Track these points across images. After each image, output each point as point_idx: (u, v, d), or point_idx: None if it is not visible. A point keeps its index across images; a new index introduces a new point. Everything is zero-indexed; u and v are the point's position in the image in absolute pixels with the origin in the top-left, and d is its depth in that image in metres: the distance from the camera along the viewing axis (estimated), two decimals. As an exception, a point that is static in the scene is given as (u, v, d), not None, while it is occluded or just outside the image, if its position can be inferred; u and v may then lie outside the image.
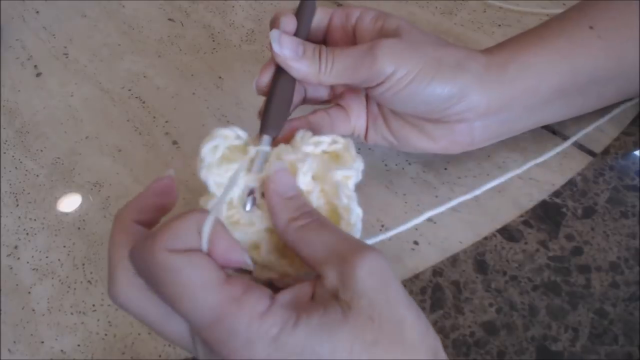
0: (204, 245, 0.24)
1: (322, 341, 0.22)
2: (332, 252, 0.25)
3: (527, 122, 0.38)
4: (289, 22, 0.33)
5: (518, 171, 0.40)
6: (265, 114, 0.32)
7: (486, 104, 0.34)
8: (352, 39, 0.36)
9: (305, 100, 0.37)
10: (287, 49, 0.32)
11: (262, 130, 0.32)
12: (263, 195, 0.30)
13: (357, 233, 0.30)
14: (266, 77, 0.33)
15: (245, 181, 0.30)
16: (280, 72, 0.33)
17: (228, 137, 0.31)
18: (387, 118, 0.37)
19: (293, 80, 0.33)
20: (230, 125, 0.31)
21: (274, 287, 0.27)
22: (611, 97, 0.39)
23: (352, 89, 0.38)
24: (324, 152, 0.32)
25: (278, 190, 0.29)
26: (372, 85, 0.33)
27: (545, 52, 0.35)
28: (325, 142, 0.31)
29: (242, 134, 0.32)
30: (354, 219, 0.30)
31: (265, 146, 0.31)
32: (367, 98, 0.38)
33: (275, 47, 0.32)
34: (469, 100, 0.34)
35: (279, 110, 0.33)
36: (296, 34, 0.34)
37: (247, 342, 0.22)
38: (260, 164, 0.30)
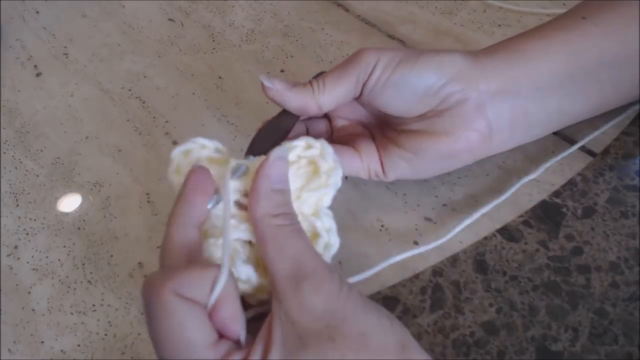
0: (210, 304, 0.25)
1: None
2: (295, 270, 0.25)
3: (544, 109, 0.35)
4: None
5: (532, 176, 0.39)
6: (253, 139, 0.33)
7: (483, 80, 0.33)
8: None
9: (307, 133, 0.38)
10: (279, 84, 0.33)
11: (249, 151, 0.33)
12: (240, 206, 0.29)
13: (334, 248, 0.30)
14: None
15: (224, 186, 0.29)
16: (279, 115, 0.34)
17: (206, 147, 0.32)
18: (396, 139, 0.36)
19: (290, 121, 0.34)
20: (211, 138, 0.32)
21: (243, 301, 0.27)
22: (629, 84, 0.37)
23: (359, 133, 0.38)
24: (299, 157, 0.30)
25: (270, 176, 0.28)
26: (362, 83, 0.33)
27: (537, 39, 0.35)
28: (299, 146, 0.30)
29: (222, 147, 0.32)
30: (334, 239, 0.29)
31: (246, 161, 0.31)
32: (373, 137, 0.38)
33: (267, 83, 0.33)
34: (460, 78, 0.33)
35: (268, 139, 0.33)
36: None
37: None
38: (239, 175, 0.30)
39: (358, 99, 0.34)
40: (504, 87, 0.34)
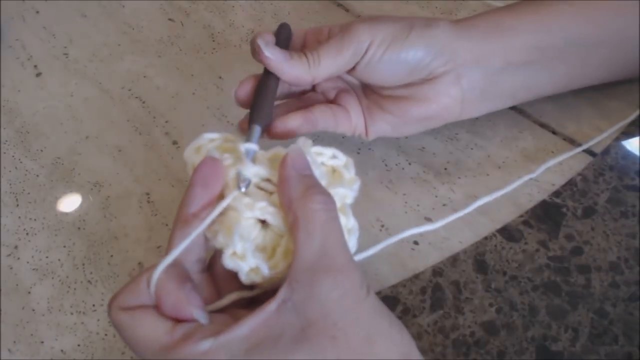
0: (152, 300, 0.26)
1: None
2: (319, 259, 0.25)
3: (512, 82, 0.38)
4: (269, 38, 0.35)
5: (532, 175, 0.39)
6: (253, 107, 0.34)
7: (462, 53, 0.36)
8: None
9: (289, 95, 0.39)
10: (278, 53, 0.34)
11: (251, 121, 0.33)
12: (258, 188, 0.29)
13: (352, 251, 0.29)
14: (246, 87, 0.35)
15: (238, 169, 0.29)
16: (264, 77, 0.35)
17: (214, 139, 0.32)
18: (381, 102, 0.38)
19: (276, 82, 0.35)
20: (220, 131, 0.33)
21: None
22: (596, 68, 0.40)
23: (344, 90, 0.39)
24: (323, 164, 0.31)
25: (295, 165, 0.28)
26: (357, 60, 0.34)
27: (514, 16, 0.37)
28: (325, 154, 0.31)
29: (231, 136, 0.32)
30: (353, 242, 0.29)
31: (254, 140, 0.31)
32: (358, 96, 0.39)
33: (267, 52, 0.33)
34: (444, 52, 0.35)
35: (265, 104, 0.34)
36: None
37: None
38: (251, 157, 0.30)
39: (348, 71, 0.36)
40: (479, 59, 0.36)
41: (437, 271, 0.35)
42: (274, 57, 0.34)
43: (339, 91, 0.39)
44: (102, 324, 0.35)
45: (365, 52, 0.34)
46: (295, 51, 0.35)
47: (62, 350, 0.34)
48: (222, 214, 0.28)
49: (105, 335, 0.35)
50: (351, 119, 0.38)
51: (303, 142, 0.30)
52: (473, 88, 0.37)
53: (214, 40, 0.53)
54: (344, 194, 0.29)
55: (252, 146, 0.30)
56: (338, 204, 0.28)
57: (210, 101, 0.48)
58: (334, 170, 0.31)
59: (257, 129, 0.33)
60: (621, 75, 0.41)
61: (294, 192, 0.27)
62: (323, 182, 0.29)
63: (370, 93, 0.39)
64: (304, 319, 0.24)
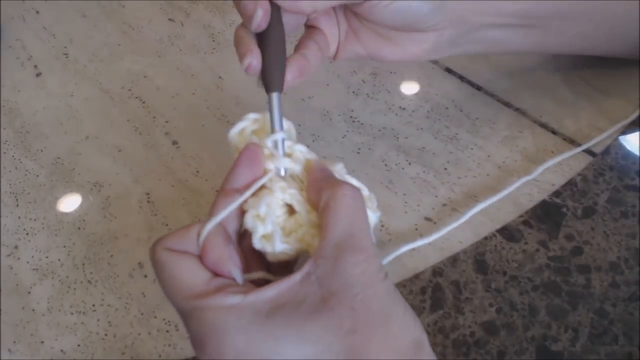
0: (197, 250, 0.27)
1: (294, 330, 0.24)
2: (345, 238, 0.26)
3: (485, 36, 0.38)
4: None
5: (532, 176, 0.39)
6: (265, 74, 0.32)
7: (454, 9, 0.36)
8: None
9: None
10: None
11: (269, 89, 0.32)
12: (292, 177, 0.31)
13: None
14: (256, 55, 0.32)
15: (275, 164, 0.30)
16: (266, 31, 0.32)
17: (257, 120, 0.33)
18: (359, 33, 0.37)
19: (281, 34, 0.33)
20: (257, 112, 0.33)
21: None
22: (571, 39, 0.40)
23: (324, 13, 0.38)
24: None
25: (322, 166, 0.31)
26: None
27: None
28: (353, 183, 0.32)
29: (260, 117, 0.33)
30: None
31: (276, 111, 0.31)
32: (337, 18, 0.38)
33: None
34: (447, 9, 0.35)
35: (277, 66, 0.32)
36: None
37: (217, 332, 0.24)
38: (282, 146, 0.31)
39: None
40: (464, 16, 0.36)
41: (437, 271, 0.35)
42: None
43: (320, 14, 0.37)
44: (102, 324, 0.35)
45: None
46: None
47: (62, 350, 0.34)
48: (257, 195, 0.30)
49: (105, 335, 0.35)
50: (329, 44, 0.37)
51: (340, 169, 0.32)
52: (446, 40, 0.37)
53: (214, 40, 0.53)
54: (369, 215, 0.31)
55: (279, 135, 0.31)
56: None
57: (210, 101, 0.48)
58: None
59: (276, 97, 0.31)
60: (598, 52, 0.42)
61: (325, 182, 0.29)
62: None
63: (352, 20, 0.38)
64: (326, 290, 0.25)
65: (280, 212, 0.30)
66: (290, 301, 0.25)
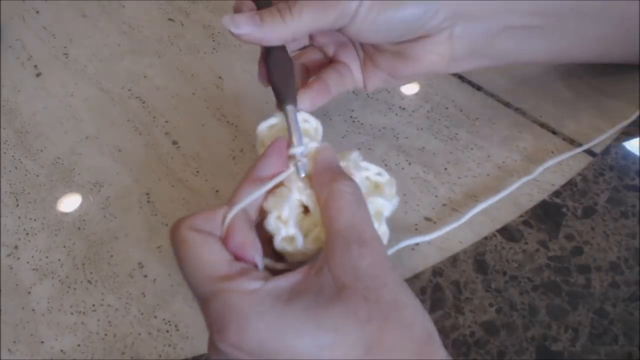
0: (221, 233, 0.28)
1: (312, 317, 0.24)
2: (349, 232, 0.27)
3: (505, 43, 0.37)
4: (245, 3, 0.34)
5: (530, 177, 0.39)
6: (277, 87, 0.33)
7: (462, 9, 0.34)
8: None
9: (308, 71, 0.38)
10: (245, 26, 0.31)
11: (284, 102, 0.32)
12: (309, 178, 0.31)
13: None
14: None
15: (296, 160, 0.31)
16: (267, 50, 0.33)
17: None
18: (374, 58, 0.37)
19: (282, 49, 0.33)
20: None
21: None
22: (591, 42, 0.39)
23: (343, 44, 0.38)
24: (367, 178, 0.33)
25: (326, 157, 0.31)
26: (345, 23, 0.32)
27: None
28: (372, 170, 0.33)
29: (302, 114, 0.33)
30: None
31: (294, 120, 0.32)
32: (357, 49, 0.39)
33: (234, 30, 0.31)
34: (444, 9, 0.33)
35: (287, 79, 0.33)
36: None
37: (238, 316, 0.24)
38: (299, 134, 0.31)
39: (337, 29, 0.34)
40: (479, 16, 0.35)
41: (437, 271, 0.35)
42: (243, 30, 0.31)
43: (337, 46, 0.38)
44: (102, 324, 0.35)
45: (356, 14, 0.31)
46: (266, 8, 0.32)
47: (62, 350, 0.34)
48: (276, 193, 0.30)
49: (105, 335, 0.35)
50: (353, 74, 0.38)
51: (356, 157, 0.32)
52: (464, 46, 0.36)
53: (214, 40, 0.53)
54: (382, 204, 0.31)
55: (299, 150, 0.31)
56: (372, 211, 0.30)
57: (210, 101, 0.48)
58: (376, 186, 0.33)
59: (292, 109, 0.32)
60: (614, 57, 0.41)
61: (325, 177, 0.29)
62: (363, 191, 0.31)
63: (366, 47, 0.38)
64: (339, 282, 0.25)
65: (298, 211, 0.30)
66: (307, 290, 0.25)
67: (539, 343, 0.32)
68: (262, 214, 0.30)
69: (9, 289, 0.37)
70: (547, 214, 0.38)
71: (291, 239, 0.29)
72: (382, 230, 0.31)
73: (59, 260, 0.38)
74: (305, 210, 0.30)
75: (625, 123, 0.42)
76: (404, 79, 0.39)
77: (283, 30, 0.31)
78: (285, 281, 0.26)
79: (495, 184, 0.40)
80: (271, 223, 0.29)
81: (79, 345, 0.34)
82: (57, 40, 0.55)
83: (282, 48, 0.33)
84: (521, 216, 0.38)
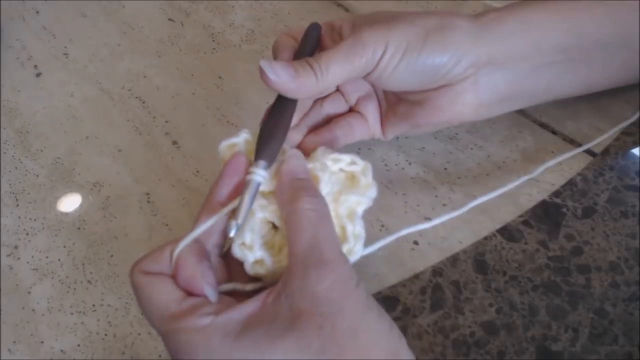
0: (171, 270, 0.28)
1: (262, 352, 0.24)
2: (308, 254, 0.26)
3: (534, 84, 0.36)
4: (286, 47, 0.35)
5: (532, 176, 0.39)
6: (260, 141, 0.31)
7: (486, 56, 0.34)
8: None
9: (328, 119, 0.38)
10: (283, 75, 0.31)
11: (258, 156, 0.31)
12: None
13: (356, 256, 0.30)
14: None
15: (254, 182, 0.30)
16: (277, 101, 0.33)
17: (248, 142, 0.32)
18: (395, 107, 0.38)
19: (290, 106, 0.33)
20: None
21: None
22: (617, 70, 0.38)
23: (366, 95, 0.39)
24: (341, 170, 0.32)
25: (290, 169, 0.30)
26: (370, 70, 0.33)
27: (545, 11, 0.35)
28: (344, 160, 0.32)
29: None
30: (358, 247, 0.30)
31: (259, 173, 0.30)
32: (379, 99, 0.39)
33: (272, 76, 0.31)
34: (467, 57, 0.33)
35: (274, 137, 0.31)
36: (303, 53, 0.34)
37: (188, 354, 0.25)
38: (254, 193, 0.29)
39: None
40: (505, 61, 0.34)
41: (437, 271, 0.35)
42: (278, 79, 0.31)
43: (360, 98, 0.39)
44: (102, 324, 0.35)
45: (380, 61, 0.32)
46: (298, 61, 0.32)
47: (62, 350, 0.34)
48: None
49: (105, 335, 0.35)
50: (369, 126, 0.38)
51: (322, 154, 0.32)
52: (492, 93, 0.35)
53: (214, 40, 0.53)
54: (356, 200, 0.31)
55: (257, 178, 0.30)
56: (345, 212, 0.30)
57: (210, 101, 0.48)
58: (352, 177, 0.32)
59: (263, 164, 0.30)
60: (635, 79, 0.40)
61: (287, 195, 0.29)
62: (336, 188, 0.31)
63: (388, 95, 0.38)
64: (295, 309, 0.25)
65: (265, 229, 0.30)
66: (261, 321, 0.25)
67: (539, 343, 0.32)
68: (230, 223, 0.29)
69: (9, 289, 0.37)
70: (547, 214, 0.38)
71: (262, 261, 0.29)
72: (357, 230, 0.30)
73: (59, 260, 0.38)
74: (275, 224, 0.30)
75: (625, 123, 0.42)
76: (426, 128, 0.38)
77: (314, 85, 0.32)
78: (237, 313, 0.26)
79: (495, 184, 0.39)
80: (236, 252, 0.29)
81: (79, 345, 0.34)
82: (57, 40, 0.55)
83: (292, 102, 0.33)
84: (521, 216, 0.38)
